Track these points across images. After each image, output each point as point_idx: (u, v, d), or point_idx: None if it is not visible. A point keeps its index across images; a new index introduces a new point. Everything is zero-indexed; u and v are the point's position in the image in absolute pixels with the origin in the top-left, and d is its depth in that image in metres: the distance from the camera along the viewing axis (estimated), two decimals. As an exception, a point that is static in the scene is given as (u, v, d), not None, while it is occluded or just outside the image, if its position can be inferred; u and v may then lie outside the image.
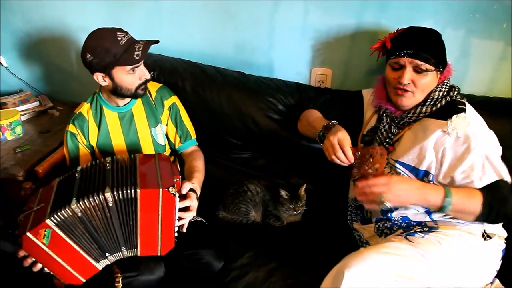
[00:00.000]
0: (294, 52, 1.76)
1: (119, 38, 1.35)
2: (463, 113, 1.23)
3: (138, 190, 1.17)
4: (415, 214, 1.29)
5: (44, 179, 1.54)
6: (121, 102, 1.52)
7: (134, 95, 1.46)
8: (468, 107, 1.28)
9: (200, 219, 1.53)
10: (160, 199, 1.19)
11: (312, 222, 1.58)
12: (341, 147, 1.23)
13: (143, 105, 1.55)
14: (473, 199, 1.16)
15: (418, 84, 1.28)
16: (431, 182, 1.25)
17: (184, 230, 1.34)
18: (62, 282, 1.29)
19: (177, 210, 1.25)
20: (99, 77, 1.40)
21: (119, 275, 1.30)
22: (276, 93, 1.69)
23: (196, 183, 1.43)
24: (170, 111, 1.59)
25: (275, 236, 1.53)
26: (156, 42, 1.41)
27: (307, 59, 1.77)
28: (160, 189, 1.18)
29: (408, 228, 1.29)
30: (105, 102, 1.53)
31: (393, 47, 1.33)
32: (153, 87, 1.59)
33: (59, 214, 1.15)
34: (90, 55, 1.35)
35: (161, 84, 1.63)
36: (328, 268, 1.16)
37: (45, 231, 1.15)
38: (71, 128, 1.52)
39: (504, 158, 1.24)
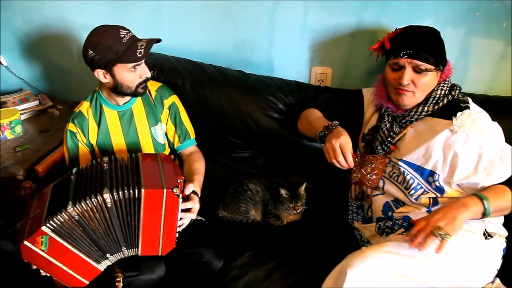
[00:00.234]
0: (294, 51, 1.76)
1: (122, 36, 1.35)
2: (467, 110, 1.24)
3: (143, 190, 1.17)
4: (417, 213, 1.29)
5: (44, 178, 1.54)
6: (121, 100, 1.52)
7: (134, 93, 1.46)
8: (472, 104, 1.29)
9: (200, 218, 1.53)
10: (164, 199, 1.18)
11: (312, 221, 1.58)
12: (343, 152, 1.24)
13: (143, 104, 1.55)
14: (505, 195, 1.17)
15: (418, 84, 1.28)
16: (436, 182, 1.26)
17: (181, 229, 1.34)
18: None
19: (179, 211, 1.25)
20: (100, 74, 1.40)
21: (120, 274, 1.30)
22: (276, 92, 1.69)
23: (197, 186, 1.43)
24: (169, 110, 1.59)
25: (275, 235, 1.53)
26: (159, 41, 1.41)
27: (307, 58, 1.77)
28: (165, 190, 1.17)
29: (409, 227, 1.28)
30: (105, 101, 1.52)
31: (392, 48, 1.33)
32: (153, 86, 1.59)
33: (55, 219, 1.14)
34: (92, 51, 1.35)
35: (161, 83, 1.63)
36: (328, 267, 1.16)
37: (42, 238, 1.15)
38: (70, 126, 1.52)
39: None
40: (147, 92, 1.55)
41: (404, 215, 1.31)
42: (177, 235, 1.29)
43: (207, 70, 1.75)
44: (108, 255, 1.28)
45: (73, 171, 1.28)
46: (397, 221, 1.32)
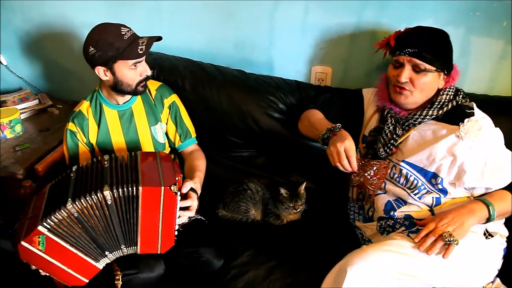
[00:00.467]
0: (294, 50, 1.76)
1: (123, 33, 1.36)
2: (473, 116, 1.25)
3: (140, 188, 1.17)
4: (418, 212, 1.29)
5: (44, 178, 1.54)
6: (121, 99, 1.52)
7: (134, 92, 1.46)
8: (476, 109, 1.29)
9: (200, 217, 1.52)
10: (162, 197, 1.18)
11: (312, 221, 1.58)
12: (347, 156, 1.24)
13: (143, 103, 1.55)
14: (506, 200, 1.21)
15: (416, 84, 1.28)
16: (439, 185, 1.26)
17: (179, 226, 1.33)
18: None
19: (178, 208, 1.25)
20: (100, 72, 1.40)
21: (119, 272, 1.30)
22: (276, 91, 1.69)
23: (197, 182, 1.43)
24: (170, 109, 1.59)
25: (275, 235, 1.53)
26: (160, 38, 1.41)
27: (307, 57, 1.77)
28: (162, 187, 1.17)
29: (411, 226, 1.29)
30: (105, 100, 1.52)
31: (396, 45, 1.34)
32: (153, 85, 1.59)
33: (52, 218, 1.14)
34: (92, 48, 1.35)
35: (161, 83, 1.62)
36: (328, 266, 1.16)
37: (39, 237, 1.14)
38: (70, 126, 1.52)
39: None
40: (147, 91, 1.55)
41: (405, 214, 1.31)
42: (176, 233, 1.29)
43: (207, 69, 1.75)
44: (107, 253, 1.27)
45: (73, 169, 1.27)
46: (398, 220, 1.32)
